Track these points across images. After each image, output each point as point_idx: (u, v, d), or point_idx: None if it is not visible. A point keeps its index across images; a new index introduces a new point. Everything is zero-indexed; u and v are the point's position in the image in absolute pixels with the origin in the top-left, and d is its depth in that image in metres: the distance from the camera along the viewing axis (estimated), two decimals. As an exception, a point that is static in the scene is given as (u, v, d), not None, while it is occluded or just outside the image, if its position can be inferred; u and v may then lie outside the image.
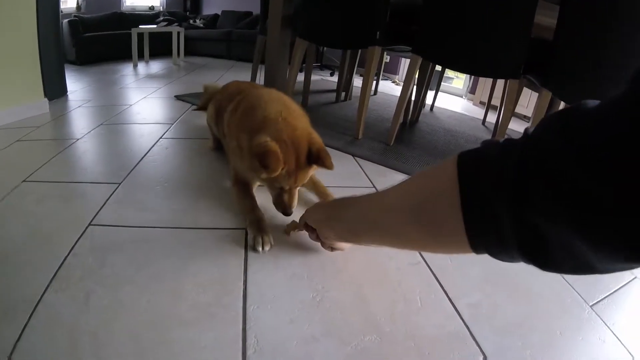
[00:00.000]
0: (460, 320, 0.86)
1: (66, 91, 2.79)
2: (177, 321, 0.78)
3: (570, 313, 0.94)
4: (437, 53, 1.84)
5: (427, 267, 1.03)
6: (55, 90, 2.57)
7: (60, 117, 2.29)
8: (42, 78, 2.29)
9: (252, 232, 1.05)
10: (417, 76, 2.52)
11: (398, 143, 2.06)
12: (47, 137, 1.92)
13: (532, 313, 0.92)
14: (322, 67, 4.87)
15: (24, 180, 1.37)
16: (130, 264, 0.94)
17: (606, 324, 0.91)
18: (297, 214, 1.07)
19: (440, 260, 1.07)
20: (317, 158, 1.05)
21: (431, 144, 2.21)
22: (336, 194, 1.33)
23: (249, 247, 1.03)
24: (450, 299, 0.92)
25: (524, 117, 3.61)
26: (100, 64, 4.57)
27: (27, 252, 0.97)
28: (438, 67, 2.89)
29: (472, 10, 1.64)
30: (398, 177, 1.64)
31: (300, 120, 1.14)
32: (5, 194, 1.27)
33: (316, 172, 1.32)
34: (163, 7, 6.47)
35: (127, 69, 4.22)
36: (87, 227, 1.08)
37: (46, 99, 2.34)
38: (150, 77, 3.83)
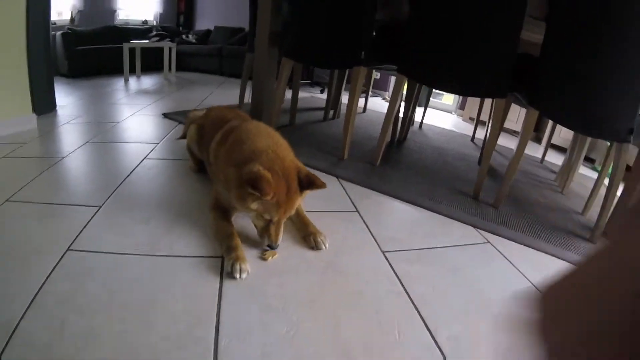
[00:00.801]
0: (440, 354, 0.86)
1: (55, 106, 2.80)
2: (148, 353, 0.78)
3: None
4: (421, 73, 1.87)
5: (407, 296, 1.04)
6: (44, 105, 2.57)
7: (47, 133, 2.30)
8: (31, 93, 2.29)
9: (229, 259, 1.06)
10: (405, 93, 2.55)
11: (384, 163, 2.08)
12: (33, 154, 1.92)
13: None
14: (313, 84, 4.92)
15: (7, 200, 1.38)
16: (104, 292, 0.94)
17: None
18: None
19: (422, 287, 1.07)
20: (308, 183, 1.11)
21: (419, 162, 2.22)
22: (319, 218, 1.35)
23: (226, 274, 1.04)
24: (430, 331, 0.92)
25: (513, 132, 3.65)
26: (93, 77, 4.58)
27: (5, 275, 0.98)
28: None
29: (454, 31, 1.67)
30: (381, 200, 1.65)
31: (288, 152, 1.19)
32: None
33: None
34: (156, 22, 6.54)
35: (118, 83, 4.24)
36: (65, 252, 1.09)
37: (34, 115, 2.34)
38: (141, 92, 3.85)
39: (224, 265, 1.06)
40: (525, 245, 1.41)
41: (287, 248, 1.20)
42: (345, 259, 1.18)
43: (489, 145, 1.75)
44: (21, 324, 0.82)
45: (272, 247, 1.12)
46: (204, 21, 6.62)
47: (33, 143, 2.08)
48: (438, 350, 0.86)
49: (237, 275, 1.02)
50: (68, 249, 1.10)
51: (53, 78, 2.76)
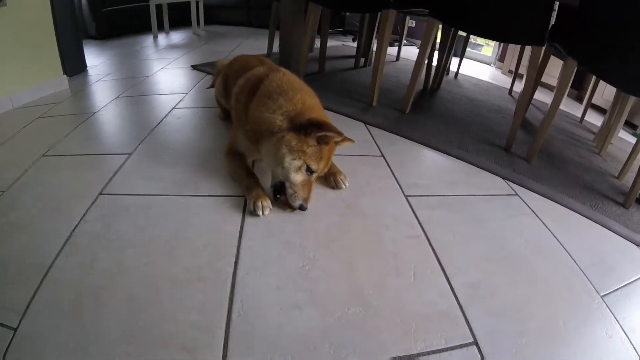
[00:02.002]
0: (454, 300, 0.85)
1: (85, 67, 2.89)
2: (170, 282, 0.84)
3: (578, 302, 0.90)
4: (455, 16, 1.76)
5: (427, 240, 1.03)
6: (74, 66, 2.67)
7: (79, 92, 2.40)
8: (60, 55, 2.39)
9: (251, 197, 1.10)
10: (439, 41, 2.40)
11: (415, 111, 2.01)
12: (66, 112, 2.02)
13: (534, 298, 0.89)
14: (345, 33, 4.74)
15: (43, 155, 1.48)
16: (133, 229, 1.01)
17: (616, 318, 0.87)
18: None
19: (443, 233, 1.06)
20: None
21: (451, 112, 2.13)
22: (343, 161, 1.35)
23: (249, 212, 1.08)
24: (446, 276, 0.92)
25: (552, 88, 3.42)
26: (121, 37, 4.64)
27: (41, 220, 1.07)
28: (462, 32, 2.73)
29: None
30: (409, 147, 1.61)
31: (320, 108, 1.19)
32: (27, 167, 1.38)
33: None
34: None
35: (147, 41, 4.28)
36: (97, 197, 1.17)
37: (65, 76, 2.45)
38: (170, 47, 3.88)
39: (247, 203, 1.10)
40: (554, 201, 1.34)
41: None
42: (366, 201, 1.18)
43: (523, 94, 1.65)
44: (55, 262, 0.90)
45: (302, 208, 1.06)
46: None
47: (66, 102, 2.18)
48: (453, 296, 0.86)
49: (260, 212, 1.06)
50: (100, 193, 1.18)
51: (81, 40, 2.84)
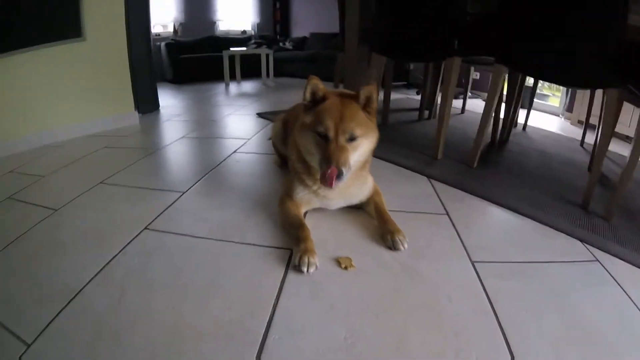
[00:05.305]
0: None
1: (158, 106, 3.19)
2: (195, 334, 0.78)
3: None
4: (521, 60, 1.67)
5: (495, 317, 0.86)
6: (147, 105, 2.99)
7: (148, 128, 2.62)
8: (134, 93, 2.69)
9: (298, 250, 1.03)
10: (506, 92, 2.32)
11: (482, 165, 1.88)
12: (131, 145, 2.19)
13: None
14: (409, 86, 4.78)
15: (101, 182, 1.59)
16: (169, 270, 0.99)
17: None
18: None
19: (514, 308, 0.90)
20: (365, 101, 1.14)
21: (520, 166, 1.98)
22: (403, 218, 1.25)
23: (292, 266, 1.01)
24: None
25: (625, 138, 3.11)
26: (196, 83, 5.14)
27: (84, 245, 1.11)
28: (529, 82, 2.58)
29: (557, 11, 1.47)
30: (476, 204, 1.47)
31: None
32: (82, 192, 1.49)
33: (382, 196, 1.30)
34: (255, 31, 7.09)
35: (219, 88, 4.67)
36: (142, 231, 1.18)
37: (137, 112, 2.74)
38: (239, 95, 4.18)
39: (292, 257, 1.03)
40: (638, 267, 1.12)
41: (361, 246, 1.13)
42: (425, 265, 1.05)
43: (601, 144, 1.49)
44: (85, 289, 0.91)
45: (338, 168, 1.03)
46: (300, 29, 6.98)
47: (133, 136, 2.39)
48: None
49: (305, 269, 0.98)
50: (145, 228, 1.20)
51: (155, 82, 3.20)
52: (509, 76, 2.25)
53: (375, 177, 1.34)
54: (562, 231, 1.29)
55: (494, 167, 1.90)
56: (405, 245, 1.11)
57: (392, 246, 1.11)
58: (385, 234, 1.15)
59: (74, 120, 2.35)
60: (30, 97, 2.14)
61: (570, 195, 1.60)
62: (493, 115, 2.12)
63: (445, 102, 1.88)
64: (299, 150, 1.20)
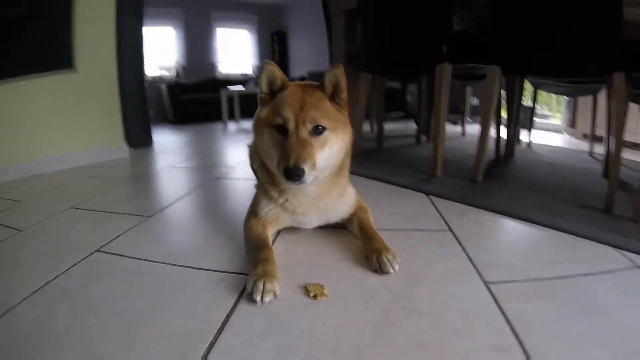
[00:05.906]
0: None
1: (151, 142, 3.20)
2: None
3: None
4: (517, 59, 1.62)
5: (522, 351, 0.65)
6: (139, 140, 2.98)
7: (137, 160, 2.58)
8: (125, 127, 2.72)
9: (253, 274, 0.85)
10: (505, 101, 2.29)
11: (487, 179, 1.76)
12: (114, 175, 2.13)
13: None
14: (407, 116, 4.75)
15: (72, 207, 1.54)
16: (106, 296, 0.86)
17: None
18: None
19: (547, 338, 0.69)
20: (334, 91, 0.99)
21: (530, 178, 1.87)
22: (396, 238, 1.10)
23: (246, 294, 0.83)
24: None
25: (633, 145, 2.98)
26: (196, 123, 5.19)
27: (34, 264, 1.03)
28: (526, 103, 2.52)
29: (548, 6, 1.45)
30: (483, 217, 1.31)
31: None
32: (51, 215, 1.44)
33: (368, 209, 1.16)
34: (255, 74, 7.31)
35: (218, 127, 4.67)
36: (92, 253, 1.08)
37: (126, 145, 2.73)
38: (237, 132, 4.20)
39: (247, 283, 0.86)
40: None
41: (339, 270, 0.94)
42: (423, 291, 0.85)
43: (617, 145, 1.40)
44: (16, 307, 0.82)
45: (288, 172, 0.86)
46: (298, 69, 7.13)
47: (119, 168, 2.34)
48: None
49: (258, 298, 0.79)
50: (97, 250, 1.10)
51: (149, 119, 3.24)
52: (506, 90, 2.22)
53: (364, 196, 1.20)
54: (588, 238, 1.10)
55: (500, 180, 1.79)
56: (396, 267, 0.91)
57: (379, 268, 0.91)
58: (370, 253, 0.95)
59: (62, 150, 2.34)
60: (21, 126, 2.15)
61: (589, 201, 1.45)
62: (494, 127, 2.07)
63: (438, 113, 1.79)
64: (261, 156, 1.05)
